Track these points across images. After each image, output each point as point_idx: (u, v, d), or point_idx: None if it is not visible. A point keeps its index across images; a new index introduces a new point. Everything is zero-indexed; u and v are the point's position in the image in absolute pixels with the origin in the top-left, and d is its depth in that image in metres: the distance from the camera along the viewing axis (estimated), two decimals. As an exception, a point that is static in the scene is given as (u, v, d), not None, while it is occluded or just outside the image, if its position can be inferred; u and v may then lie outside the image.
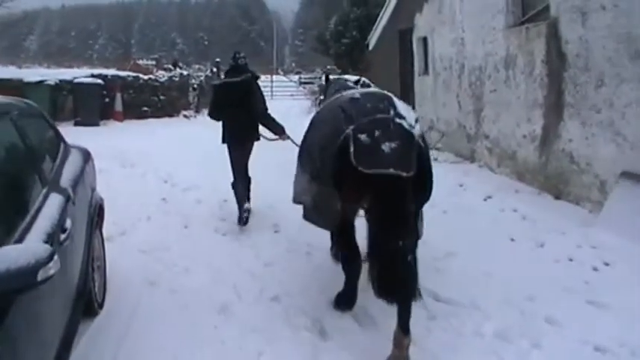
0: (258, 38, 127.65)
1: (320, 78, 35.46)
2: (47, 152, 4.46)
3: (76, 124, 18.56)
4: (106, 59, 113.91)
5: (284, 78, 50.04)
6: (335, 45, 32.74)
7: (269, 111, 8.14)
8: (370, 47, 17.94)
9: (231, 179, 8.17)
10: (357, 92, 5.13)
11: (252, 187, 8.14)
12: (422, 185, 4.62)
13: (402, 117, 4.58)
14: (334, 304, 5.33)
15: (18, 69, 32.90)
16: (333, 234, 5.83)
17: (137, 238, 7.08)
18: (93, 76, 20.22)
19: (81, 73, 21.16)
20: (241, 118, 7.96)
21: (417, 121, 4.69)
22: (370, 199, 4.56)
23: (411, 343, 4.33)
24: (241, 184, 8.07)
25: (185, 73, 25.04)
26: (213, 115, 8.28)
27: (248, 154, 8.22)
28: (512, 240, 6.96)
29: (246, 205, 7.83)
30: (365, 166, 4.30)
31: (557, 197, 8.34)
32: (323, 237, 7.03)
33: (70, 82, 19.22)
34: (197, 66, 41.03)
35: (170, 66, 30.04)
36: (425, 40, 13.79)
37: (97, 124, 18.73)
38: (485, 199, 8.73)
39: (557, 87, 8.33)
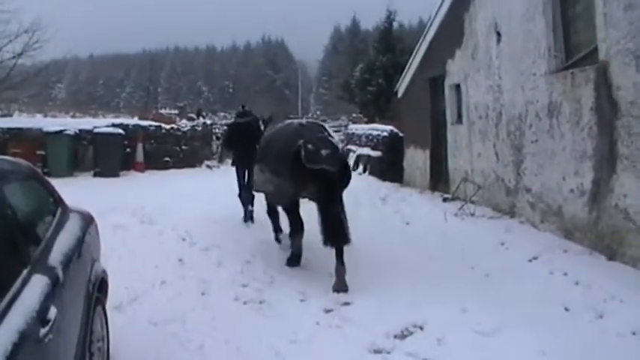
0: (283, 86, 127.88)
1: (345, 126, 35.17)
2: (36, 224, 3.84)
3: (96, 174, 18.28)
4: (133, 107, 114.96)
5: (309, 126, 49.67)
6: (360, 93, 32.46)
7: None
8: (399, 95, 17.40)
9: (237, 192, 11.31)
10: (303, 121, 9.24)
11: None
12: (344, 176, 8.02)
13: (332, 137, 8.22)
14: (286, 263, 8.28)
15: (43, 118, 32.96)
16: (275, 219, 9.73)
17: (149, 307, 6.44)
18: (114, 125, 19.93)
19: (102, 123, 20.89)
20: (245, 148, 10.80)
21: (339, 141, 8.33)
22: (313, 185, 7.68)
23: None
24: (244, 194, 11.12)
25: (208, 122, 24.69)
26: (225, 146, 12.78)
27: (251, 174, 10.37)
28: (567, 310, 6.20)
29: (250, 207, 11.09)
30: (311, 164, 7.49)
31: (611, 258, 7.53)
32: (357, 307, 6.48)
33: (90, 132, 18.97)
34: (222, 114, 40.83)
35: (194, 115, 29.80)
36: (458, 87, 13.17)
37: (117, 175, 18.41)
38: (530, 260, 7.90)
39: (609, 137, 7.62)
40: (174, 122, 24.43)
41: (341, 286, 7.19)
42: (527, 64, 9.77)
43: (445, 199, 12.66)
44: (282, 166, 7.92)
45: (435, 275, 7.50)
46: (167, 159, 21.01)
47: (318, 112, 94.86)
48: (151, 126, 21.55)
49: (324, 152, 7.54)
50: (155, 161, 20.36)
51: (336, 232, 7.54)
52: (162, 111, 47.16)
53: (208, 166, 21.95)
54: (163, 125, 22.11)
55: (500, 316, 5.99)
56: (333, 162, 7.61)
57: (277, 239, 9.59)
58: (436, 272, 7.65)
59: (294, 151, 7.60)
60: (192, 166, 21.58)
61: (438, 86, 14.34)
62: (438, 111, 14.39)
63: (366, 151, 19.73)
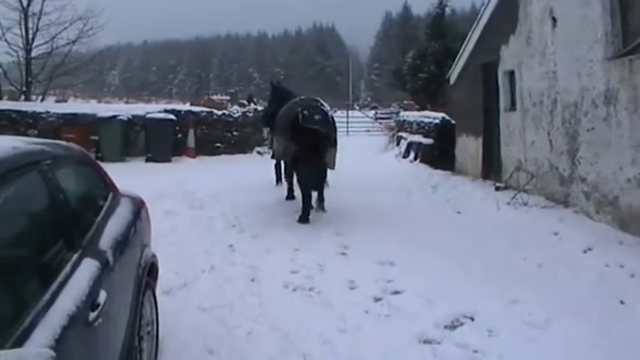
0: (334, 73, 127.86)
1: (396, 113, 34.87)
2: (88, 208, 3.89)
3: (148, 160, 18.57)
4: (185, 93, 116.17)
5: (360, 113, 49.44)
6: (412, 79, 32.17)
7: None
8: (451, 82, 17.16)
9: (274, 162, 14.01)
10: (302, 96, 11.61)
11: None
12: (331, 136, 10.56)
13: (324, 106, 10.83)
14: (298, 220, 10.25)
15: (97, 104, 33.53)
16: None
17: (198, 293, 6.47)
18: (166, 111, 20.19)
19: (154, 109, 21.12)
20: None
21: (329, 110, 11.17)
22: (309, 143, 10.07)
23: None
24: (279, 166, 13.94)
25: (260, 108, 24.72)
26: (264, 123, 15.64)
27: None
28: (622, 303, 6.04)
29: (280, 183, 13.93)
30: (306, 125, 10.01)
31: (669, 250, 7.34)
32: (407, 296, 6.42)
33: (142, 118, 19.27)
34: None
35: (245, 101, 29.90)
36: (512, 73, 12.94)
37: (168, 161, 18.71)
38: (585, 251, 7.75)
39: (669, 126, 7.41)
40: (225, 108, 24.56)
41: (321, 208, 10.90)
42: (583, 50, 9.53)
43: (498, 188, 12.49)
44: (286, 129, 10.48)
45: (487, 265, 7.36)
46: (218, 145, 21.21)
47: (368, 99, 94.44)
48: (202, 112, 21.74)
49: (316, 117, 10.18)
50: (206, 147, 20.62)
51: (321, 181, 10.75)
52: (214, 97, 47.42)
53: (259, 152, 22.00)
54: (215, 111, 22.23)
55: (553, 307, 5.85)
56: (323, 124, 10.24)
57: (289, 196, 12.31)
58: (487, 262, 7.51)
59: (295, 116, 10.20)
60: (243, 152, 21.71)
61: (491, 73, 14.10)
62: (491, 98, 14.15)
63: (417, 138, 19.58)
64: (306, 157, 10.26)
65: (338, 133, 11.27)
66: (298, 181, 10.83)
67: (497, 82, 13.71)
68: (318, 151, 10.34)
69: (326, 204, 11.14)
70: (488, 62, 14.22)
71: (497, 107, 13.78)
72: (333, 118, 11.08)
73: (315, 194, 10.82)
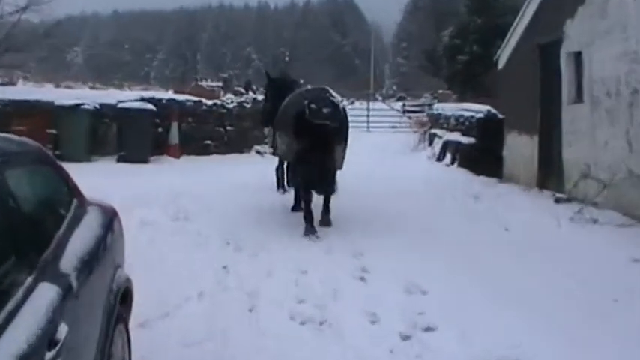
0: (352, 54, 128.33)
1: (429, 105, 34.85)
2: (46, 218, 3.86)
3: (120, 160, 18.61)
4: (167, 78, 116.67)
5: (384, 105, 49.52)
6: (449, 63, 32.18)
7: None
8: (500, 66, 17.10)
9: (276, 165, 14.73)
10: (308, 87, 12.82)
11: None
12: (342, 132, 11.07)
13: (334, 97, 11.29)
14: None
15: (55, 88, 33.40)
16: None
17: (182, 325, 6.40)
18: (143, 99, 20.11)
19: (128, 96, 21.08)
20: None
21: (340, 101, 11.96)
22: (314, 140, 10.46)
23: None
24: (281, 169, 14.49)
25: (259, 97, 24.76)
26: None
27: None
28: None
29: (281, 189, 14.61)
30: (314, 120, 10.35)
31: None
32: (441, 333, 6.35)
33: (113, 107, 19.23)
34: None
35: (241, 89, 29.98)
36: (578, 55, 12.85)
37: (145, 161, 18.73)
38: (676, 285, 7.66)
39: None
40: (217, 97, 24.62)
41: (325, 223, 10.98)
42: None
43: (558, 200, 12.46)
44: (290, 125, 11.03)
45: (544, 297, 7.28)
46: (208, 142, 21.31)
47: (394, 87, 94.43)
48: (188, 101, 21.82)
49: (325, 110, 10.52)
50: (193, 145, 20.66)
51: (328, 184, 10.86)
52: (203, 83, 47.75)
53: (258, 152, 22.04)
54: (204, 100, 22.29)
55: (630, 353, 5.76)
56: (333, 118, 10.63)
57: (296, 206, 12.26)
58: (545, 293, 7.42)
59: (300, 110, 10.60)
60: (240, 151, 21.79)
61: (551, 55, 14.06)
62: (551, 86, 14.14)
63: (455, 136, 19.62)
64: (311, 156, 10.68)
65: (351, 129, 12.06)
66: (299, 182, 11.52)
67: (559, 66, 13.66)
68: (326, 150, 10.78)
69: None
70: (547, 42, 14.19)
71: (558, 98, 13.73)
72: (345, 110, 11.90)
73: (319, 202, 11.04)
